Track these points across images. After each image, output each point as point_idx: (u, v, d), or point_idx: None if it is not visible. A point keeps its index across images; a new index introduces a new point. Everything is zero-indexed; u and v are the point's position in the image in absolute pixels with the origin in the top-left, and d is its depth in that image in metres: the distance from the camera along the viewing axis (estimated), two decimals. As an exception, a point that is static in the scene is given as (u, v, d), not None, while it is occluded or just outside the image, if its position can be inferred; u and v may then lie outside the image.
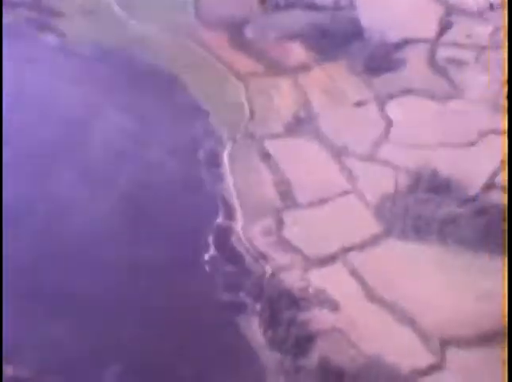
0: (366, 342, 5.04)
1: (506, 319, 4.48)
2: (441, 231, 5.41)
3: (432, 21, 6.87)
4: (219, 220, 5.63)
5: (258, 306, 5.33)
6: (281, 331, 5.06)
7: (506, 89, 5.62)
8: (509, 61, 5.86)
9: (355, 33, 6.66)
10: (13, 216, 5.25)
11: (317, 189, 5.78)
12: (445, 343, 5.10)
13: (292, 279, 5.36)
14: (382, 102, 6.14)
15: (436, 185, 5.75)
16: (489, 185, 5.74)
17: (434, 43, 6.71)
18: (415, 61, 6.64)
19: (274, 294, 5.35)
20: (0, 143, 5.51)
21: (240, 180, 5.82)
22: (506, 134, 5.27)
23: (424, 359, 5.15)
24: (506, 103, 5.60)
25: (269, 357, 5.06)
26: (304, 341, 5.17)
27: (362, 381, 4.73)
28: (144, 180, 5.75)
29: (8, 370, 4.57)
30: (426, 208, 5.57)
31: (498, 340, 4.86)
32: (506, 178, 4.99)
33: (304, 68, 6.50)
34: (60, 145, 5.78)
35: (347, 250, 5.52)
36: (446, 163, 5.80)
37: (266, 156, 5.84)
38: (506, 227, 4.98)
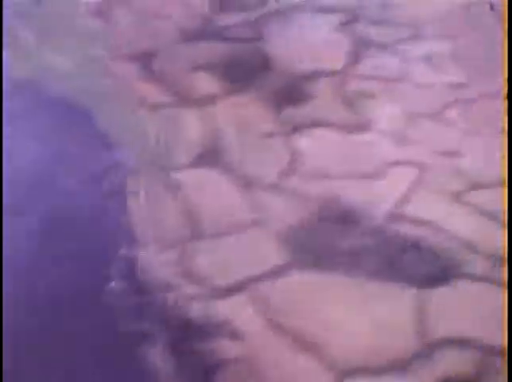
0: (269, 372, 5.18)
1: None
2: (346, 261, 5.82)
3: (342, 54, 7.44)
4: (125, 250, 5.91)
5: (162, 337, 5.59)
6: (185, 361, 5.60)
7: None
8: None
9: (266, 64, 7.32)
10: None
11: (224, 220, 6.05)
12: (349, 372, 5.45)
13: (197, 309, 5.52)
14: (290, 133, 6.97)
15: (342, 216, 6.44)
16: (394, 216, 6.31)
17: (343, 75, 7.64)
18: (324, 93, 7.09)
19: (179, 324, 5.61)
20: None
21: (147, 210, 6.02)
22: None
23: (328, 389, 5.30)
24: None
25: (173, 388, 5.16)
26: (208, 372, 5.59)
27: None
28: (53, 212, 5.78)
29: None
30: (332, 238, 5.98)
31: (401, 368, 5.25)
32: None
33: (213, 98, 7.04)
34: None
35: (252, 280, 5.98)
36: (352, 194, 6.14)
37: (173, 187, 6.65)
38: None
